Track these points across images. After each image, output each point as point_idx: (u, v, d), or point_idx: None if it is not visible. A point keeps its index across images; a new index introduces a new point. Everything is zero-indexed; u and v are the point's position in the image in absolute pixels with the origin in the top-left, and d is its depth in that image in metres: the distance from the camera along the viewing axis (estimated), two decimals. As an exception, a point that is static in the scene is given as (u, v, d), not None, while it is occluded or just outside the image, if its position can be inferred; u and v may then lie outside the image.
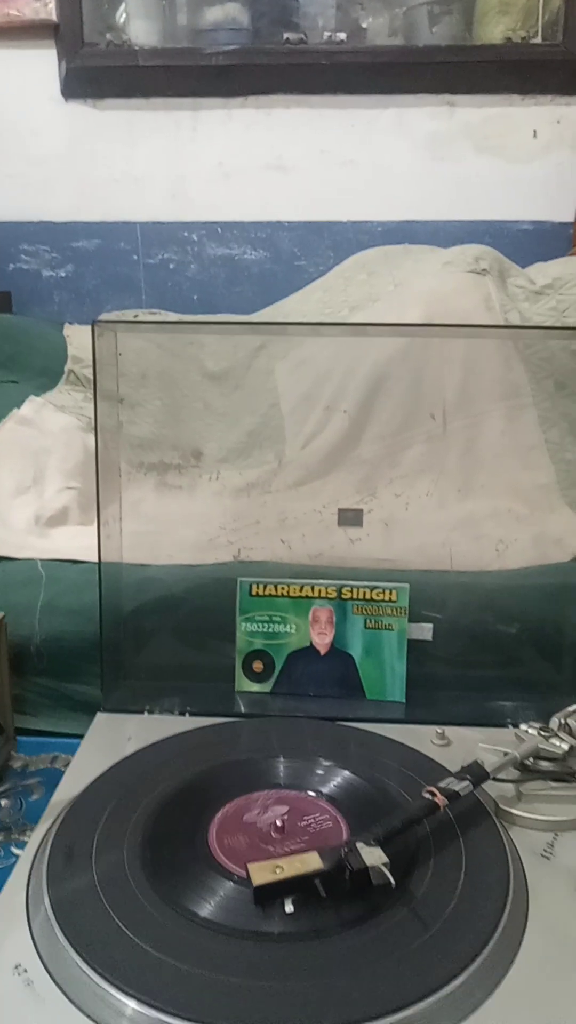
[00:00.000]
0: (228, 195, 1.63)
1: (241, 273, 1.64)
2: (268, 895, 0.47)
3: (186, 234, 1.64)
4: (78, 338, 1.32)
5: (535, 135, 1.60)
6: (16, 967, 0.45)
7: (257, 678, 0.75)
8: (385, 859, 0.47)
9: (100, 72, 1.58)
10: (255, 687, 0.74)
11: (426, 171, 1.61)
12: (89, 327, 0.69)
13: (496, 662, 0.76)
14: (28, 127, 1.62)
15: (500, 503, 0.95)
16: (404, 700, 0.72)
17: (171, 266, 1.65)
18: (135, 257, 1.64)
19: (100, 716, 0.70)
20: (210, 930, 0.46)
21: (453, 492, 0.96)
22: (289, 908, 0.47)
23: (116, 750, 0.64)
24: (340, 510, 0.77)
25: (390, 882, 0.46)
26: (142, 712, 0.70)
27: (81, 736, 0.67)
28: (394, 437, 1.05)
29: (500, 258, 1.17)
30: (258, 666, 0.75)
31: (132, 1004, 0.42)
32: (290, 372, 1.14)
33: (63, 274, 1.66)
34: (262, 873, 0.47)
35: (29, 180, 1.63)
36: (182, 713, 0.70)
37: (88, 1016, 0.42)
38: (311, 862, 0.47)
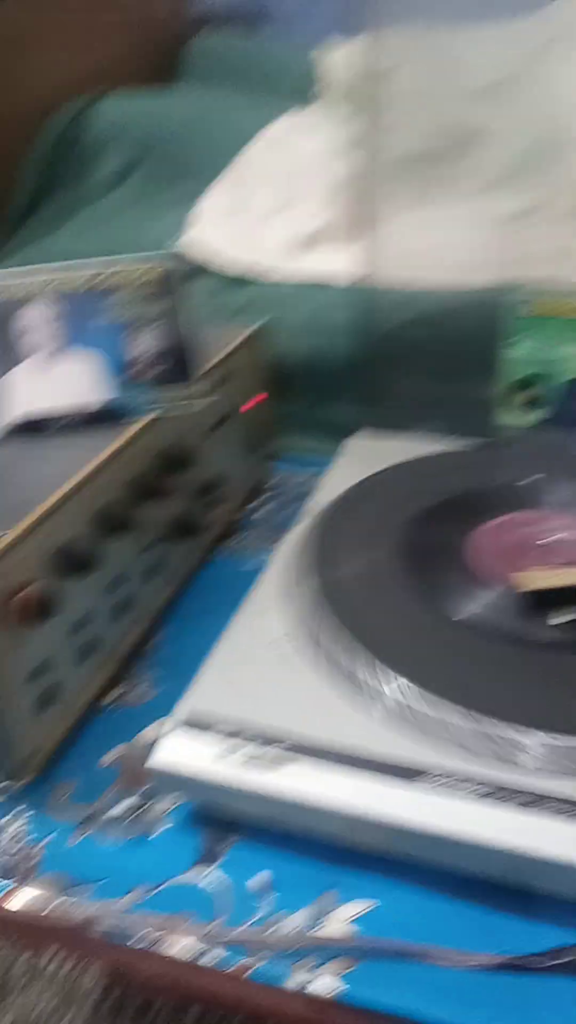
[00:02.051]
0: None
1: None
2: (539, 602, 0.43)
3: None
4: (329, 60, 1.19)
5: None
6: (286, 634, 0.46)
7: (525, 410, 0.68)
8: None
9: None
10: (522, 419, 0.68)
11: None
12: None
13: None
14: None
15: None
16: None
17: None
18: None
19: (354, 437, 0.68)
20: (476, 632, 0.44)
21: None
22: (559, 619, 0.43)
23: (372, 466, 0.61)
24: None
25: None
26: (398, 435, 0.67)
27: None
28: None
29: None
30: (526, 396, 0.67)
31: (401, 680, 0.41)
32: (579, 74, 0.95)
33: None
34: (533, 579, 0.43)
35: None
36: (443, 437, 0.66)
37: (352, 681, 0.42)
38: (592, 573, 0.43)
